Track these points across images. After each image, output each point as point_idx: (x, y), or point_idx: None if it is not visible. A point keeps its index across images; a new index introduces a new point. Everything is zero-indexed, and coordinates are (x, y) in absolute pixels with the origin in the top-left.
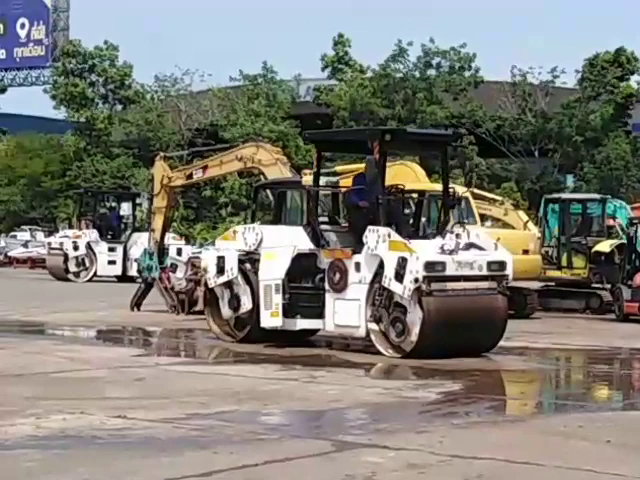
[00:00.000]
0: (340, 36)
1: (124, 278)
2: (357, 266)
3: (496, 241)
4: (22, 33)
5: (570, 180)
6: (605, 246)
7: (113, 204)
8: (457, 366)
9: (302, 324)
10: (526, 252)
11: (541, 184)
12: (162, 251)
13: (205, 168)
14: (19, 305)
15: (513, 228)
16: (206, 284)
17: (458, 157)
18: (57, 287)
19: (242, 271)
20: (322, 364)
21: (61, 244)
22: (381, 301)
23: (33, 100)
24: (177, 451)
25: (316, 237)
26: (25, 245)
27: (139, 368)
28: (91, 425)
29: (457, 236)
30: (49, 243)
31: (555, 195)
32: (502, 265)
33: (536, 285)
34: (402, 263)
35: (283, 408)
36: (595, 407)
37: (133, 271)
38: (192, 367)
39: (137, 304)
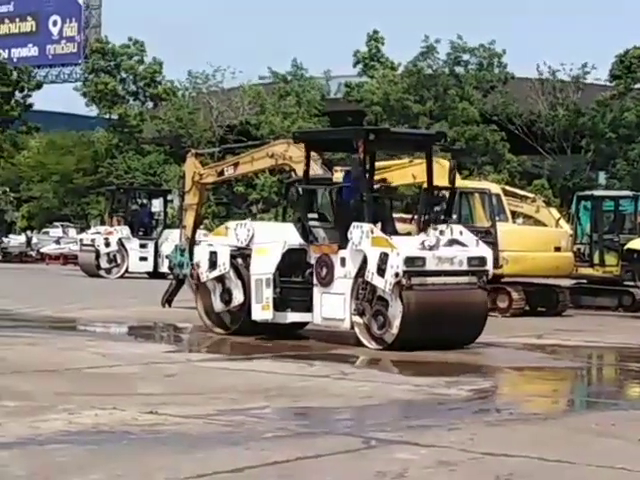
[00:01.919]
0: (375, 32)
1: (155, 275)
2: (342, 261)
3: (478, 239)
4: (54, 30)
5: (602, 177)
6: (637, 243)
7: (144, 201)
8: (487, 363)
9: (292, 317)
10: (558, 249)
11: (573, 181)
12: (193, 248)
13: (236, 165)
14: (51, 301)
15: (545, 225)
16: (198, 278)
17: (490, 153)
18: (89, 283)
19: (234, 266)
20: (352, 361)
21: (93, 241)
22: (364, 295)
23: (65, 97)
24: (208, 447)
25: (305, 233)
26: (57, 242)
27: (170, 364)
28: (123, 421)
29: (441, 233)
30: (81, 240)
31: (587, 192)
32: (482, 260)
33: (568, 282)
34: (384, 258)
35: (314, 404)
36: (627, 405)
37: (164, 268)
38: (223, 363)
39: (168, 301)
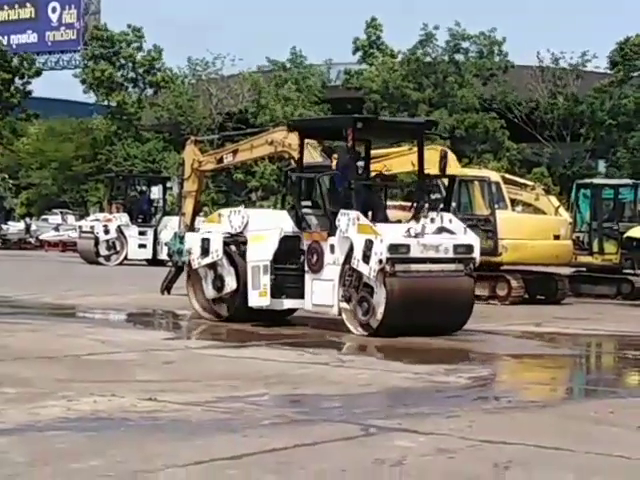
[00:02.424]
0: (373, 20)
1: (154, 262)
2: (332, 248)
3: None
4: (54, 17)
5: (602, 165)
6: (637, 232)
7: (144, 188)
8: (486, 351)
9: (287, 304)
10: (557, 237)
11: (573, 169)
12: None
13: (235, 152)
14: (50, 288)
15: (544, 213)
16: (190, 265)
17: (490, 141)
18: (88, 270)
19: (227, 253)
20: (350, 349)
21: (92, 227)
22: (351, 281)
23: (65, 84)
24: (207, 434)
25: (298, 220)
26: (56, 228)
27: (169, 351)
28: (122, 407)
29: (432, 221)
30: (80, 227)
31: (587, 180)
32: (469, 248)
33: (567, 271)
34: (368, 245)
35: (313, 392)
36: (626, 393)
37: (163, 255)
38: (222, 351)
39: (167, 288)
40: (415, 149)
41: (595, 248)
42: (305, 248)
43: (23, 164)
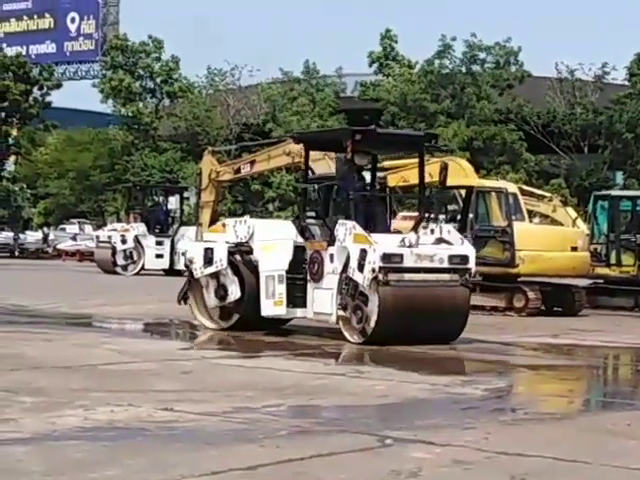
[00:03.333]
0: (387, 31)
1: (171, 272)
2: (331, 257)
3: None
4: (72, 27)
5: (620, 177)
6: None
7: (161, 198)
8: (503, 363)
9: (300, 313)
10: (575, 249)
11: (590, 181)
12: None
13: (253, 163)
14: (67, 297)
15: (562, 225)
16: (191, 274)
17: (508, 153)
18: (105, 280)
19: (230, 262)
20: (368, 359)
21: (109, 237)
22: (347, 290)
23: (83, 94)
24: (224, 444)
25: (303, 230)
26: (74, 238)
27: (186, 361)
28: (138, 417)
29: (432, 232)
30: (97, 236)
31: (604, 192)
32: (464, 259)
33: (584, 282)
34: (363, 254)
35: (329, 403)
36: None
37: (180, 265)
38: (238, 361)
39: (184, 298)
40: (432, 160)
41: (612, 260)
42: (308, 258)
43: (41, 174)
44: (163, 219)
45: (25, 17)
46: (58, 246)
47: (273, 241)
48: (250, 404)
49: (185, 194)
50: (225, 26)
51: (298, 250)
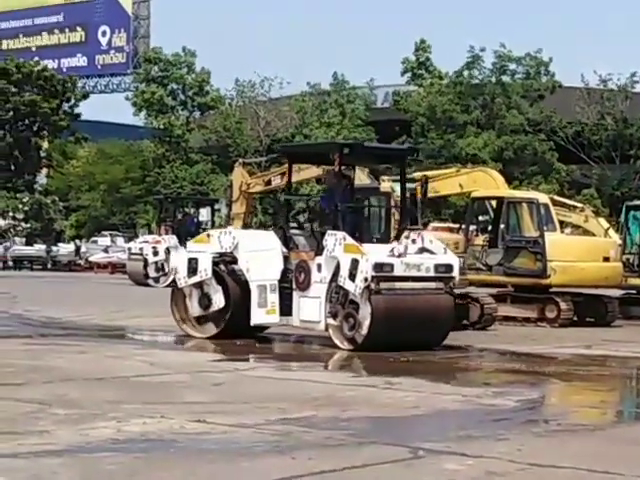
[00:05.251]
0: (422, 42)
1: None
2: (319, 267)
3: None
4: (103, 40)
5: None
6: None
7: (192, 210)
8: (535, 374)
9: (283, 320)
10: (607, 259)
11: (622, 190)
12: None
13: (283, 174)
14: (99, 309)
15: (593, 235)
16: (175, 283)
17: (539, 163)
18: (137, 292)
19: (215, 272)
20: (400, 371)
21: (141, 249)
22: (337, 298)
23: (114, 107)
24: (256, 456)
25: (286, 240)
26: (106, 250)
27: (218, 373)
28: (171, 429)
29: (413, 241)
30: (129, 248)
31: (637, 202)
32: (449, 267)
33: (617, 293)
34: (355, 264)
35: (361, 414)
36: None
37: None
38: (270, 372)
39: None
40: (463, 171)
41: None
42: (293, 267)
43: (73, 186)
44: (194, 231)
45: (57, 30)
46: (90, 258)
47: (262, 251)
48: (282, 416)
49: (216, 206)
50: (254, 38)
51: (284, 260)
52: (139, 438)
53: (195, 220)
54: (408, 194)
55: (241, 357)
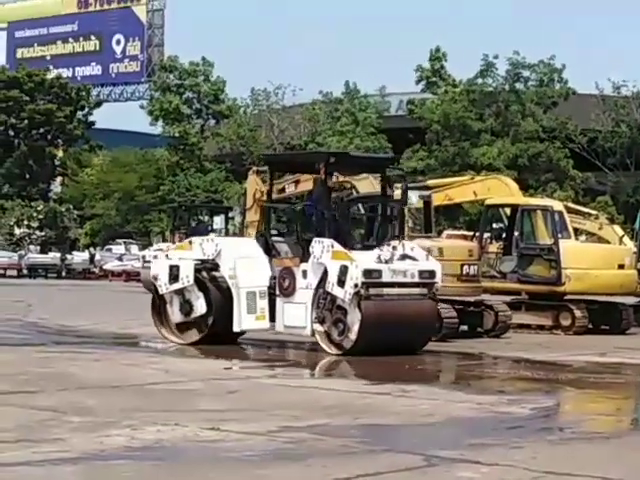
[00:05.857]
0: (437, 50)
1: None
2: (304, 273)
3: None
4: (118, 49)
5: None
6: None
7: (206, 218)
8: (550, 382)
9: (274, 326)
10: (622, 267)
11: (637, 198)
12: None
13: (297, 182)
14: (114, 317)
15: (608, 242)
16: (156, 290)
17: (554, 171)
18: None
19: (197, 279)
20: (413, 378)
21: (155, 257)
22: (325, 304)
23: (128, 115)
24: (270, 463)
25: (268, 247)
26: (120, 258)
27: (231, 380)
28: (185, 437)
29: (394, 248)
30: (143, 256)
31: None
32: (432, 274)
33: (632, 300)
34: (344, 270)
35: (375, 422)
36: None
37: None
38: (284, 380)
39: None
40: (477, 179)
41: None
42: (276, 274)
43: (87, 195)
44: None
45: (71, 39)
46: (104, 266)
47: (250, 259)
48: (296, 423)
49: (230, 214)
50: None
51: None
52: (153, 446)
53: (209, 228)
54: (422, 202)
55: (254, 365)
